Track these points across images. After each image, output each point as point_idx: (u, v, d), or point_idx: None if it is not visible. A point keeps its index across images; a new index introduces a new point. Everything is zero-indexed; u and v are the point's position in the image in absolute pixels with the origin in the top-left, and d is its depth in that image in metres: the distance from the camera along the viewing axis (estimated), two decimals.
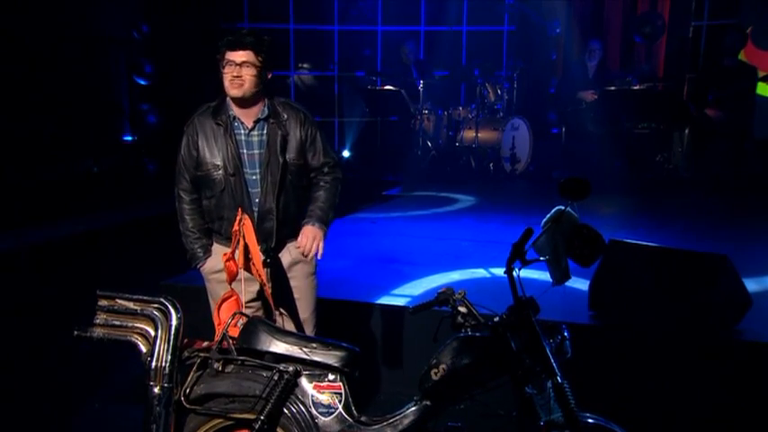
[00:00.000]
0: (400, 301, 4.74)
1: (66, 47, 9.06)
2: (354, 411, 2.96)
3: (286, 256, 3.64)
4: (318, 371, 2.97)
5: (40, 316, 5.36)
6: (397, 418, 2.93)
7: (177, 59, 10.34)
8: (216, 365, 2.95)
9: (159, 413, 2.82)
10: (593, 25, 11.13)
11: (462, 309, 2.88)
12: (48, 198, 8.05)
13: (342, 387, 2.96)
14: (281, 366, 2.93)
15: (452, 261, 5.69)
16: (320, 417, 2.93)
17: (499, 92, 10.27)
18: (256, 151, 3.51)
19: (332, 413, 2.94)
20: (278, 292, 3.59)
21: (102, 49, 10.27)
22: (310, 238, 3.55)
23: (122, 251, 6.91)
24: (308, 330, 3.74)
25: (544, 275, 3.06)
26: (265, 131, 3.50)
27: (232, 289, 3.32)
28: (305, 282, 3.70)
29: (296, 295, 3.68)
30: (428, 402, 2.90)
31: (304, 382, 2.96)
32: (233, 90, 3.40)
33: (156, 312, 2.89)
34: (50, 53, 8.61)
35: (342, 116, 12.08)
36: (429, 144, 10.20)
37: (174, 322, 2.86)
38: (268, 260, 3.50)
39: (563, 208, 2.87)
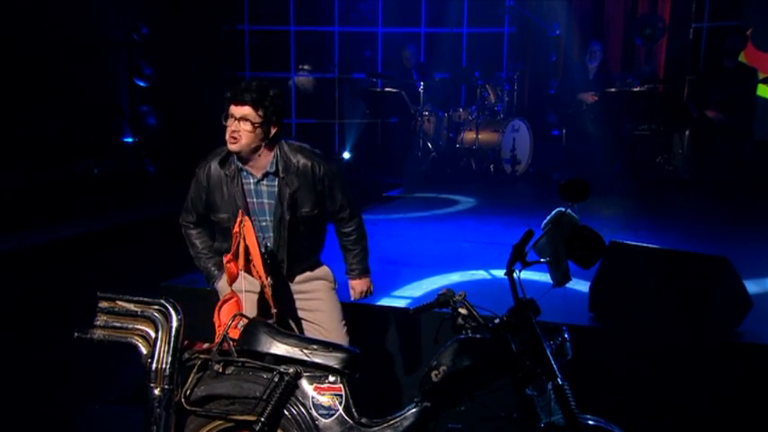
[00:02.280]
0: (401, 303, 4.73)
1: (67, 49, 9.07)
2: (355, 413, 2.96)
3: (303, 277, 3.70)
4: (319, 372, 2.97)
5: (39, 317, 5.35)
6: (398, 419, 2.93)
7: (177, 61, 10.36)
8: (216, 367, 2.96)
9: (160, 415, 2.83)
10: (593, 27, 11.13)
11: (463, 310, 2.89)
12: (48, 199, 8.05)
13: (342, 389, 2.97)
14: (282, 368, 2.93)
15: (453, 262, 5.68)
16: (321, 418, 2.94)
17: (499, 93, 10.27)
18: (266, 201, 3.50)
19: (332, 415, 2.94)
20: (282, 293, 3.62)
21: (102, 52, 10.28)
22: (359, 291, 3.87)
23: (122, 253, 6.90)
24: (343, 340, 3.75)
25: (544, 277, 3.06)
26: (276, 184, 3.47)
27: (232, 291, 3.33)
28: (328, 295, 3.76)
29: (321, 308, 3.74)
30: (428, 404, 2.90)
31: (304, 383, 2.97)
32: (229, 145, 3.37)
33: (156, 314, 2.89)
34: (51, 55, 8.62)
35: (342, 118, 12.08)
36: (429, 145, 10.20)
37: (174, 324, 2.87)
38: (268, 260, 3.50)
39: (563, 210, 2.88)
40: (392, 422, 2.93)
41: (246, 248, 3.26)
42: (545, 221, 2.92)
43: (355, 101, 11.39)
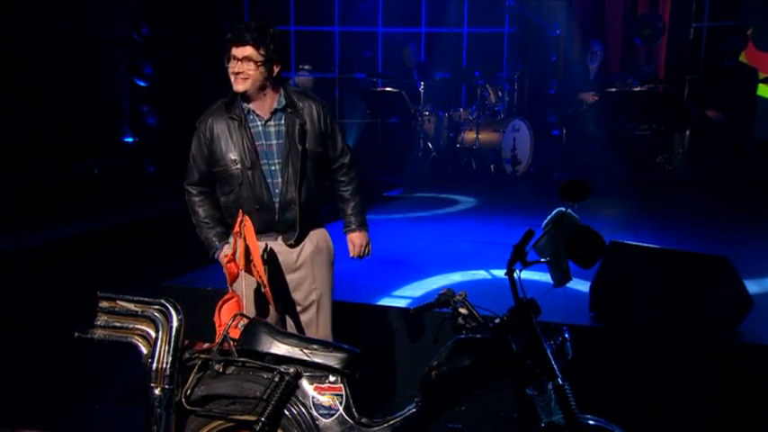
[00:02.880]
0: (401, 303, 4.74)
1: (67, 49, 9.07)
2: (355, 413, 2.97)
3: (308, 246, 3.64)
4: (319, 372, 2.97)
5: (40, 317, 5.35)
6: (398, 419, 2.93)
7: (177, 61, 10.36)
8: (217, 367, 2.96)
9: (160, 414, 2.83)
10: (593, 27, 11.13)
11: (463, 310, 2.88)
12: (48, 199, 8.05)
13: (342, 389, 2.97)
14: (282, 368, 2.93)
15: (453, 262, 5.69)
16: (321, 418, 2.94)
17: (500, 93, 10.27)
18: (274, 141, 3.49)
19: (333, 415, 2.94)
20: (282, 293, 3.61)
21: (102, 51, 10.28)
22: (358, 245, 3.81)
23: (123, 252, 6.90)
24: (323, 329, 3.72)
25: (545, 277, 3.06)
26: (283, 121, 3.48)
27: (233, 291, 3.33)
28: (324, 272, 3.72)
29: (314, 286, 3.67)
30: (429, 404, 2.90)
31: (305, 383, 2.97)
32: (237, 85, 3.40)
33: (156, 314, 2.89)
34: (50, 55, 8.62)
35: (342, 118, 12.08)
36: (430, 145, 10.20)
37: (174, 324, 2.87)
38: (265, 257, 3.50)
39: (564, 209, 2.88)
40: (392, 422, 2.93)
41: (247, 248, 3.26)
42: (545, 221, 2.93)
43: (355, 101, 11.39)
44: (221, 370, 2.96)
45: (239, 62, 3.36)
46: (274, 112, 3.50)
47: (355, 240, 3.81)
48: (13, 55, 8.23)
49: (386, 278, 5.31)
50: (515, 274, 2.81)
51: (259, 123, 3.49)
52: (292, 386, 2.94)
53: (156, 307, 2.90)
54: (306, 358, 2.95)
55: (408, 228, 7.19)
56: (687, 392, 3.95)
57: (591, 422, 2.71)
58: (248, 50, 3.35)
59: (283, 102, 3.50)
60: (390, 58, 11.70)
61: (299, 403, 2.95)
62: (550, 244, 2.88)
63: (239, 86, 3.39)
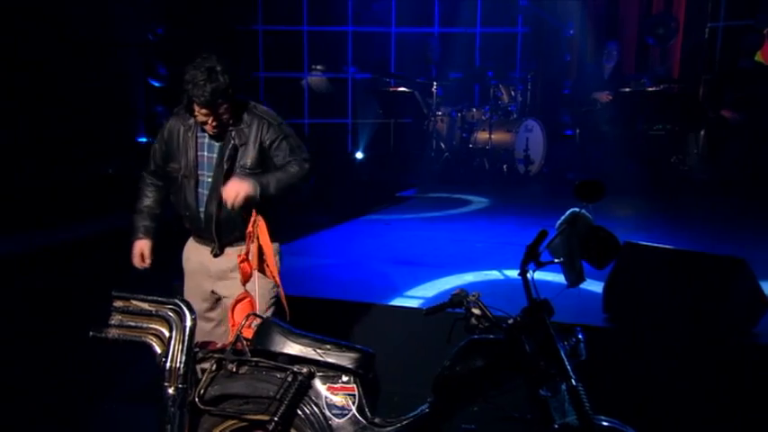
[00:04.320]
0: (414, 303, 4.74)
1: (82, 49, 9.11)
2: (368, 413, 2.97)
3: (233, 259, 3.52)
4: (332, 372, 2.98)
5: (54, 317, 5.38)
6: (411, 419, 2.93)
7: (192, 61, 10.37)
8: (230, 366, 2.96)
9: (174, 414, 2.84)
10: (607, 26, 11.08)
11: (476, 311, 2.87)
12: (63, 199, 8.09)
13: (355, 389, 2.97)
14: (295, 368, 2.94)
15: (466, 263, 5.68)
16: (334, 418, 2.94)
17: (513, 93, 10.24)
18: (215, 155, 3.52)
19: (345, 415, 2.94)
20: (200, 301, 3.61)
21: (117, 52, 10.32)
22: (232, 189, 3.33)
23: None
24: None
25: (558, 277, 3.05)
26: (224, 138, 3.51)
27: (246, 291, 3.33)
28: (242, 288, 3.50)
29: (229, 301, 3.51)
30: (442, 404, 2.90)
31: (318, 383, 2.97)
32: (211, 132, 3.45)
33: (170, 313, 2.90)
34: (65, 56, 8.65)
35: (355, 118, 12.08)
36: (442, 146, 10.19)
37: (188, 323, 2.88)
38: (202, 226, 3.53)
39: (578, 210, 2.87)
40: (405, 422, 2.93)
41: (260, 248, 3.26)
42: (559, 221, 2.92)
43: (368, 101, 11.38)
44: (235, 369, 2.96)
45: (212, 117, 3.38)
46: None
47: (232, 182, 3.38)
48: (28, 56, 8.28)
49: (399, 278, 5.31)
50: (529, 275, 2.80)
51: (207, 135, 3.53)
52: (305, 386, 2.94)
53: (170, 306, 2.91)
54: (319, 358, 2.95)
55: (421, 228, 7.20)
56: (701, 393, 3.92)
57: (605, 423, 2.69)
58: (220, 108, 3.37)
59: (231, 120, 3.49)
60: (404, 59, 11.69)
61: (312, 403, 2.95)
62: (564, 244, 2.87)
63: (215, 132, 3.44)
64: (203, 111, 3.36)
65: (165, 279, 4.96)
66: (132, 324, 2.91)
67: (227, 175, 3.46)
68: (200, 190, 3.54)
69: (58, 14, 8.56)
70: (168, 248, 3.84)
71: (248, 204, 3.38)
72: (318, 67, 12.36)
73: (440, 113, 10.19)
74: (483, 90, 10.75)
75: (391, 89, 10.49)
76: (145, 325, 2.91)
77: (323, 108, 12.18)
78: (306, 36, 11.97)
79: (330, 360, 2.96)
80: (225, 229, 3.54)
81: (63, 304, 5.52)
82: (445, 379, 2.87)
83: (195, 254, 3.67)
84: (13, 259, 6.58)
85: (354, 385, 2.96)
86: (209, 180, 3.52)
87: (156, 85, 10.67)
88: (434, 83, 10.20)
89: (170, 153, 3.59)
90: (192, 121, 3.52)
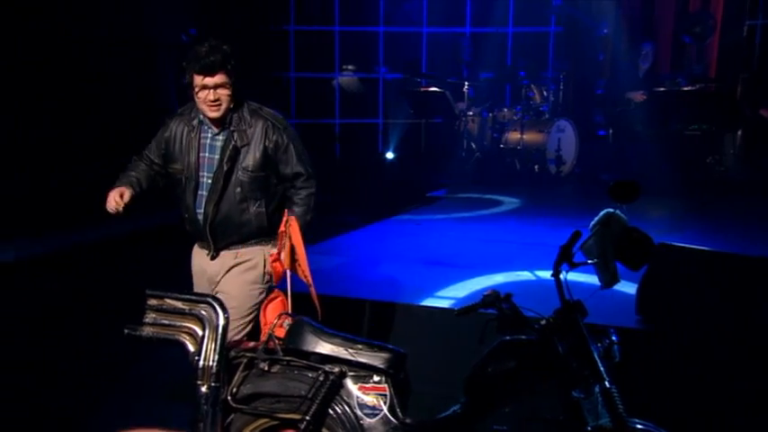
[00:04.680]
0: (445, 303, 4.74)
1: (114, 50, 9.22)
2: (399, 413, 2.97)
3: (229, 262, 3.58)
4: (364, 372, 2.98)
5: (89, 315, 5.45)
6: (443, 420, 2.93)
7: (240, 70, 10.44)
8: (262, 365, 2.98)
9: (206, 412, 2.86)
10: (642, 25, 10.95)
11: (508, 311, 2.86)
12: (94, 198, 8.19)
13: (387, 389, 2.97)
14: (327, 367, 2.95)
15: (497, 263, 5.66)
16: (365, 418, 2.94)
17: (545, 93, 10.17)
18: (216, 156, 3.52)
19: (377, 415, 2.95)
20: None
21: (150, 52, 10.43)
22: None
23: (168, 251, 6.99)
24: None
25: (591, 278, 3.03)
26: (226, 138, 3.51)
27: (278, 290, 3.36)
28: (241, 292, 3.56)
29: (229, 304, 3.39)
30: (473, 405, 2.89)
31: (349, 383, 2.98)
32: (211, 113, 3.42)
33: (203, 312, 2.92)
34: (97, 57, 8.75)
35: (386, 118, 12.09)
36: (473, 146, 10.16)
37: (221, 322, 2.89)
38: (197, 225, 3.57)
39: (612, 210, 2.85)
40: (437, 423, 2.93)
41: (292, 247, 3.28)
42: (593, 222, 2.89)
43: (399, 101, 11.39)
44: (267, 368, 2.98)
45: (212, 90, 3.37)
46: (223, 128, 3.51)
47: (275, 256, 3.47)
48: (61, 55, 8.38)
49: (429, 279, 5.31)
50: (562, 276, 2.79)
51: (209, 135, 3.53)
52: (337, 385, 2.95)
53: (203, 305, 2.93)
54: (350, 358, 2.96)
55: (452, 228, 7.19)
56: (737, 397, 3.87)
57: (639, 426, 2.67)
58: (221, 77, 3.36)
59: (233, 119, 3.50)
60: (435, 59, 11.68)
61: (343, 403, 2.96)
62: (598, 245, 2.85)
63: (215, 113, 3.42)
64: (202, 80, 3.34)
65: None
66: (166, 322, 2.94)
67: (227, 177, 3.48)
68: (199, 192, 3.54)
69: (90, 14, 8.66)
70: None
71: (248, 209, 3.50)
72: (349, 67, 12.39)
73: (471, 113, 10.16)
74: (515, 90, 10.70)
75: (422, 89, 10.49)
76: (178, 323, 2.94)
77: (354, 108, 12.21)
78: (337, 36, 12.00)
79: (362, 360, 2.96)
80: (220, 232, 3.54)
81: (93, 303, 5.59)
82: (477, 380, 2.86)
83: (197, 257, 3.70)
84: (51, 257, 6.69)
85: (386, 385, 2.97)
86: (209, 182, 3.52)
87: None
88: (466, 83, 10.18)
89: (171, 153, 3.59)
90: (195, 121, 3.53)
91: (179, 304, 2.95)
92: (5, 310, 5.47)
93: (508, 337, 2.87)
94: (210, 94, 3.37)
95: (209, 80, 3.36)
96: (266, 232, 3.58)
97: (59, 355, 4.94)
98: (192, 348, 2.90)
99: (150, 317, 2.95)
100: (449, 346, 4.43)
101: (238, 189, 3.50)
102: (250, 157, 3.49)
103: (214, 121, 3.51)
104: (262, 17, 11.29)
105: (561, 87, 10.36)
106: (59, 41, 8.34)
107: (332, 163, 11.77)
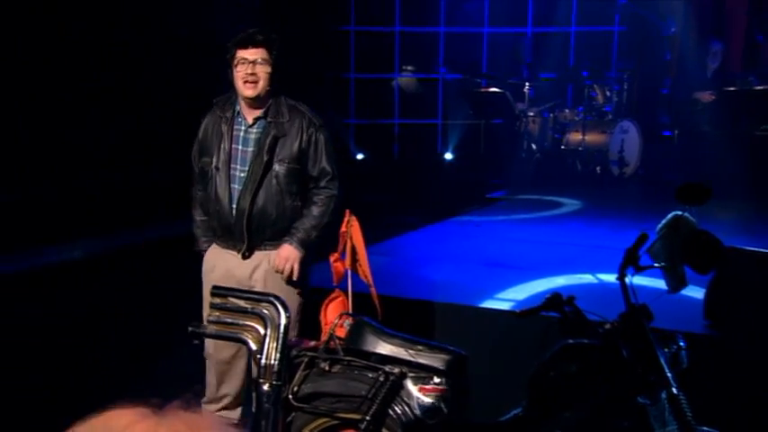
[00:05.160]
0: (505, 305, 4.69)
1: (174, 52, 9.40)
2: (460, 415, 2.95)
3: (264, 263, 3.55)
4: (424, 373, 2.97)
5: (142, 315, 5.54)
6: (504, 423, 2.90)
7: (287, 62, 10.57)
8: (323, 365, 3.01)
9: (268, 410, 2.89)
10: (712, 23, 10.66)
11: (571, 314, 2.83)
12: (155, 199, 8.36)
13: (447, 390, 2.96)
14: (387, 368, 2.95)
15: (558, 265, 5.59)
16: (425, 419, 2.94)
17: (608, 93, 10.00)
18: (250, 149, 3.49)
19: (437, 416, 2.94)
20: None
21: (210, 55, 10.61)
22: (284, 258, 3.48)
23: None
24: None
25: (656, 282, 2.97)
26: (262, 129, 3.48)
27: (338, 290, 3.38)
28: (279, 293, 3.47)
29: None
30: (535, 409, 2.86)
31: (409, 384, 2.97)
32: (247, 90, 3.40)
33: (265, 311, 2.96)
34: (159, 59, 8.92)
35: (445, 119, 12.06)
36: (534, 147, 10.05)
37: (282, 321, 2.93)
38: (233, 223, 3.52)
39: (680, 213, 2.79)
40: (498, 425, 2.91)
41: (353, 248, 3.30)
42: (660, 225, 2.84)
43: (459, 102, 11.35)
44: (327, 368, 3.00)
45: (251, 65, 3.36)
46: (258, 119, 3.49)
47: (281, 252, 3.51)
48: (124, 57, 8.58)
49: (489, 280, 5.27)
50: (627, 279, 2.74)
51: (243, 128, 3.51)
52: (397, 386, 2.95)
53: (265, 304, 2.97)
54: (411, 359, 2.96)
55: (511, 230, 7.12)
56: None
57: None
58: (261, 52, 3.38)
59: (270, 110, 3.48)
60: (496, 59, 11.60)
61: (403, 403, 2.96)
62: (665, 248, 2.79)
63: (250, 91, 3.40)
64: (242, 53, 3.36)
65: None
66: (229, 320, 2.99)
67: (265, 168, 3.44)
68: (232, 185, 3.49)
69: (155, 16, 8.85)
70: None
71: (284, 201, 3.47)
72: (409, 67, 12.40)
73: (531, 114, 10.07)
74: (576, 90, 10.56)
75: (482, 90, 10.43)
76: (241, 322, 2.98)
77: (413, 109, 12.22)
78: (398, 37, 12.03)
79: (422, 361, 2.96)
80: (255, 227, 3.49)
81: (150, 303, 5.69)
82: (539, 383, 2.83)
83: (221, 261, 3.60)
84: (115, 255, 6.86)
85: (446, 387, 2.96)
86: (242, 175, 3.49)
87: None
88: (526, 83, 10.09)
89: (203, 148, 3.57)
90: (229, 113, 3.52)
91: (242, 303, 2.99)
92: (69, 308, 5.63)
93: (571, 341, 2.83)
94: (249, 68, 3.37)
95: (249, 53, 3.38)
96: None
97: (107, 361, 5.02)
98: (254, 347, 2.94)
99: (214, 315, 3.00)
100: (509, 348, 4.39)
101: (275, 181, 3.48)
102: (287, 149, 3.48)
103: (250, 108, 3.48)
104: (322, 18, 11.38)
105: (625, 87, 10.18)
106: (121, 44, 8.54)
107: (390, 164, 11.80)
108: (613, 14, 11.12)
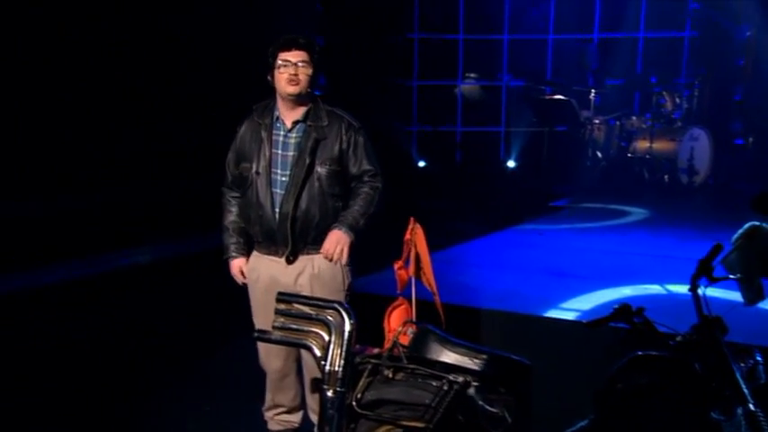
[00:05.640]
0: (570, 315, 4.63)
1: (240, 60, 9.55)
2: (524, 426, 2.91)
3: (308, 268, 3.55)
4: (489, 383, 2.94)
5: (198, 323, 5.63)
6: None
7: (350, 71, 10.63)
8: (386, 372, 2.99)
9: (332, 416, 2.88)
10: None
11: (641, 326, 2.76)
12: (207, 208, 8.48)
13: (511, 400, 2.92)
14: (451, 376, 2.92)
15: (624, 276, 5.50)
16: (489, 429, 2.90)
17: (677, 100, 9.79)
18: (290, 153, 3.53)
19: (501, 426, 2.90)
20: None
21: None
22: (333, 242, 3.49)
23: None
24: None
25: (730, 294, 2.88)
26: (302, 133, 3.52)
27: (402, 297, 3.37)
28: (324, 282, 3.57)
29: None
30: (602, 422, 2.81)
31: (474, 393, 2.94)
32: (290, 87, 3.45)
33: (330, 317, 2.96)
34: (221, 68, 9.06)
35: (508, 126, 11.98)
36: (599, 155, 9.92)
37: (347, 327, 2.91)
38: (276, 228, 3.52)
39: (758, 223, 2.70)
40: None
41: (417, 255, 3.29)
42: (736, 235, 2.75)
43: (521, 109, 11.27)
44: (391, 375, 2.99)
45: (293, 66, 3.44)
46: (297, 123, 3.53)
47: (331, 236, 3.52)
48: (183, 67, 8.75)
49: (553, 290, 5.21)
50: (700, 290, 2.66)
51: (282, 132, 3.55)
52: (461, 395, 2.92)
53: (330, 310, 2.97)
54: (475, 368, 2.93)
55: (576, 239, 7.05)
56: None
57: None
58: (303, 54, 3.45)
59: (309, 114, 3.52)
60: (561, 66, 11.48)
61: (467, 413, 2.93)
62: (741, 260, 2.70)
63: (292, 88, 3.45)
64: (285, 55, 3.44)
65: None
66: (294, 327, 2.99)
67: (308, 171, 3.48)
68: (273, 189, 3.53)
69: (218, 25, 9.00)
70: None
71: (326, 203, 3.49)
72: (472, 74, 12.36)
73: (597, 121, 9.93)
74: (644, 97, 10.38)
75: (546, 97, 10.34)
76: (306, 328, 2.98)
77: (475, 116, 12.17)
78: (461, 44, 12.00)
79: (487, 370, 2.93)
80: (299, 230, 3.50)
81: (204, 311, 5.77)
82: (607, 395, 2.77)
83: (264, 267, 3.62)
84: (173, 262, 6.99)
85: (511, 397, 2.91)
86: (284, 179, 3.52)
87: (317, 93, 11.00)
88: (592, 90, 9.96)
89: (241, 154, 3.62)
90: (268, 119, 3.57)
91: (306, 309, 3.00)
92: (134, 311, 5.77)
93: (640, 352, 2.76)
94: (292, 69, 3.45)
95: (292, 55, 3.45)
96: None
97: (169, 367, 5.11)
98: (318, 353, 2.94)
99: (279, 321, 3.00)
100: (574, 359, 4.32)
101: (317, 183, 3.52)
102: (328, 151, 3.52)
103: (290, 110, 3.53)
104: (386, 25, 11.42)
105: (695, 94, 9.94)
106: (184, 54, 8.71)
107: (453, 171, 11.77)
108: (684, 19, 10.87)
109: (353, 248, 3.57)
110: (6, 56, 7.11)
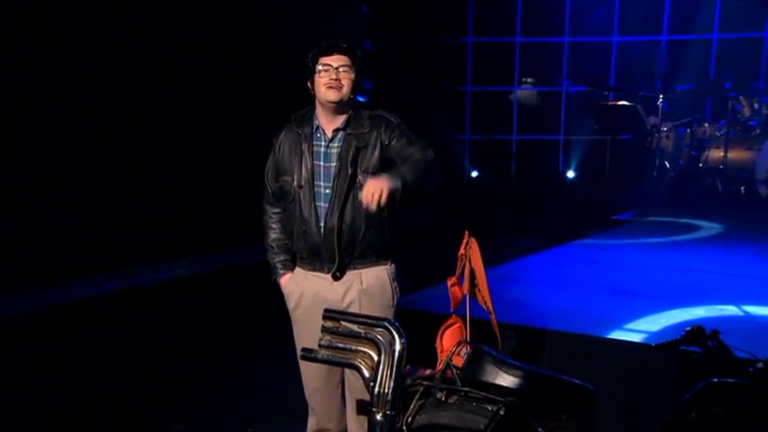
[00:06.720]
0: (636, 337, 4.56)
1: (282, 66, 9.67)
2: None
3: (356, 284, 3.49)
4: (548, 409, 2.91)
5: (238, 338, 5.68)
6: None
7: (398, 76, 10.69)
8: (439, 395, 2.98)
9: None
10: None
11: (715, 350, 2.71)
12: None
13: (574, 428, 2.88)
14: (508, 400, 2.89)
15: (696, 295, 5.39)
16: None
17: (756, 106, 9.60)
18: (333, 164, 3.48)
19: None
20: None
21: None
22: (374, 182, 3.23)
23: None
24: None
25: None
26: (342, 142, 3.48)
27: (455, 316, 3.36)
28: (373, 303, 3.49)
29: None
30: None
31: (532, 419, 2.91)
32: (331, 94, 3.40)
33: (379, 336, 2.95)
34: (268, 73, 9.19)
35: (568, 134, 11.90)
36: (667, 165, 9.80)
37: (397, 347, 2.89)
38: (322, 244, 3.48)
39: None
40: None
41: (472, 271, 3.28)
42: None
43: (583, 116, 11.19)
44: (443, 398, 2.97)
45: (335, 71, 3.40)
46: (337, 131, 3.49)
47: (371, 179, 3.28)
48: (225, 75, 8.90)
49: (617, 309, 5.13)
50: None
51: (323, 143, 3.50)
52: (518, 421, 2.89)
53: (380, 329, 2.96)
54: (534, 392, 2.90)
55: (641, 255, 6.96)
56: None
57: None
58: (344, 59, 3.41)
59: (348, 122, 3.48)
60: (626, 70, 11.37)
61: None
62: None
63: (333, 95, 3.40)
64: (325, 60, 3.40)
65: None
66: (341, 345, 2.98)
67: (351, 182, 3.43)
68: (317, 203, 3.49)
69: (266, 30, 9.14)
70: None
71: (372, 214, 3.33)
72: (529, 80, 12.31)
73: (665, 129, 9.81)
74: (717, 103, 10.22)
75: (610, 103, 10.24)
76: (353, 347, 2.97)
77: (533, 123, 12.11)
78: (518, 48, 11.96)
79: (546, 395, 2.90)
80: (345, 244, 3.46)
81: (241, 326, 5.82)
82: (679, 425, 2.72)
83: (308, 284, 3.58)
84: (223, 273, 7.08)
85: (572, 424, 2.88)
86: (327, 192, 3.48)
87: (362, 100, 11.08)
88: (660, 96, 9.83)
89: (281, 167, 3.58)
90: (307, 129, 3.53)
91: (354, 327, 2.99)
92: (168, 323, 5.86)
93: (716, 379, 2.70)
94: (333, 73, 3.41)
95: (333, 59, 3.42)
96: (387, 247, 3.54)
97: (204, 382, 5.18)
98: (367, 374, 2.93)
99: (326, 339, 3.00)
100: (641, 385, 4.25)
101: (360, 194, 3.44)
102: (368, 159, 3.48)
103: (330, 118, 3.50)
104: (438, 29, 11.45)
105: None
106: (227, 61, 8.86)
107: (508, 182, 11.73)
108: (763, 19, 10.67)
109: (393, 242, 3.53)
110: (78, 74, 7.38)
